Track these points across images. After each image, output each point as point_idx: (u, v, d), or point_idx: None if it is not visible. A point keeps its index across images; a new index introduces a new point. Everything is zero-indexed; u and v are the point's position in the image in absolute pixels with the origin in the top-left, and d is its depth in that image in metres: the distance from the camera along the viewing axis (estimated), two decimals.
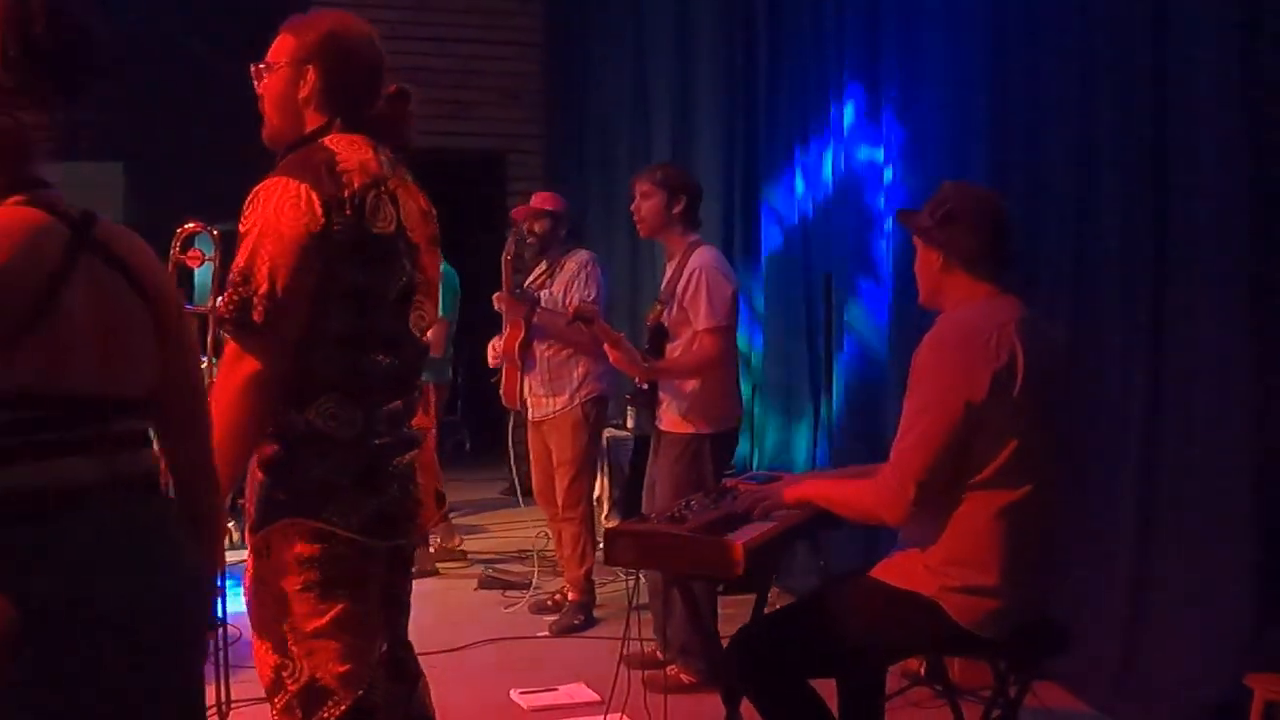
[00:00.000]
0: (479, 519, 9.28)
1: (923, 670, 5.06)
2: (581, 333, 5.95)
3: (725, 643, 3.97)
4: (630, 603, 4.73)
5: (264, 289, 2.77)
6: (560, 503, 6.49)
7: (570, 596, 6.49)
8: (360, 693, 2.93)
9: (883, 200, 6.26)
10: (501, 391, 6.69)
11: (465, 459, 8.34)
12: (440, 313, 7.15)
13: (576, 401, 6.41)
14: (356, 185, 2.87)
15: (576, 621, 6.38)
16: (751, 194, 7.69)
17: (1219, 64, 4.32)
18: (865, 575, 3.59)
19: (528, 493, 6.81)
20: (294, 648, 2.90)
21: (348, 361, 2.91)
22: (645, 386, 5.50)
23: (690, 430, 5.34)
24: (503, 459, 8.86)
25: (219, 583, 2.59)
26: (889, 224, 6.17)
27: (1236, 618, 4.31)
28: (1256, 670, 4.01)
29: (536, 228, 6.56)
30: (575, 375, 6.41)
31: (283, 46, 3.05)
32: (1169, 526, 4.59)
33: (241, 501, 3.28)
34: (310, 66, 3.00)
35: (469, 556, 7.95)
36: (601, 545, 6.43)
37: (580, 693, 5.29)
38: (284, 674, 2.91)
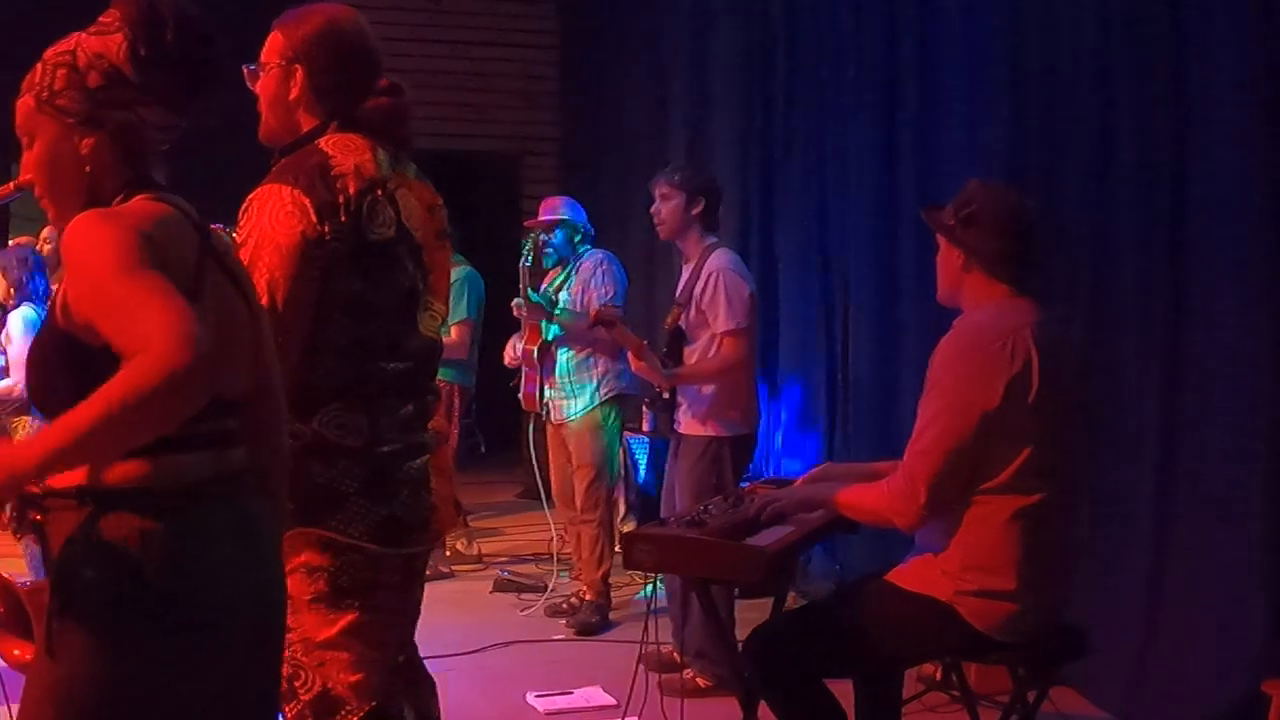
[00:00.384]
0: (495, 522, 9.29)
1: (939, 675, 5.06)
2: (602, 336, 5.95)
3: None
4: (649, 606, 4.73)
5: (264, 301, 2.70)
6: (579, 505, 6.49)
7: (587, 599, 6.49)
8: (374, 702, 2.91)
9: (900, 205, 6.26)
10: (521, 394, 6.70)
11: (480, 461, 8.34)
12: (465, 313, 7.23)
13: (596, 403, 6.42)
14: (352, 190, 2.82)
15: (593, 624, 6.38)
16: (768, 198, 7.67)
17: (1236, 63, 4.31)
18: (881, 579, 3.59)
19: (548, 495, 6.81)
20: (305, 658, 2.88)
21: (352, 370, 2.88)
22: (667, 395, 5.49)
23: (709, 433, 5.34)
24: (518, 461, 8.86)
25: None
26: (906, 230, 6.17)
27: (1253, 623, 4.29)
28: (1273, 676, 4.00)
29: (553, 240, 6.56)
30: (594, 377, 6.41)
31: (273, 45, 2.99)
32: (1185, 531, 4.57)
33: None
34: (298, 65, 2.94)
35: (484, 559, 7.96)
36: (619, 549, 6.48)
37: (596, 696, 5.29)
38: (296, 684, 2.89)
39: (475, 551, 8.00)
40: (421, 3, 10.66)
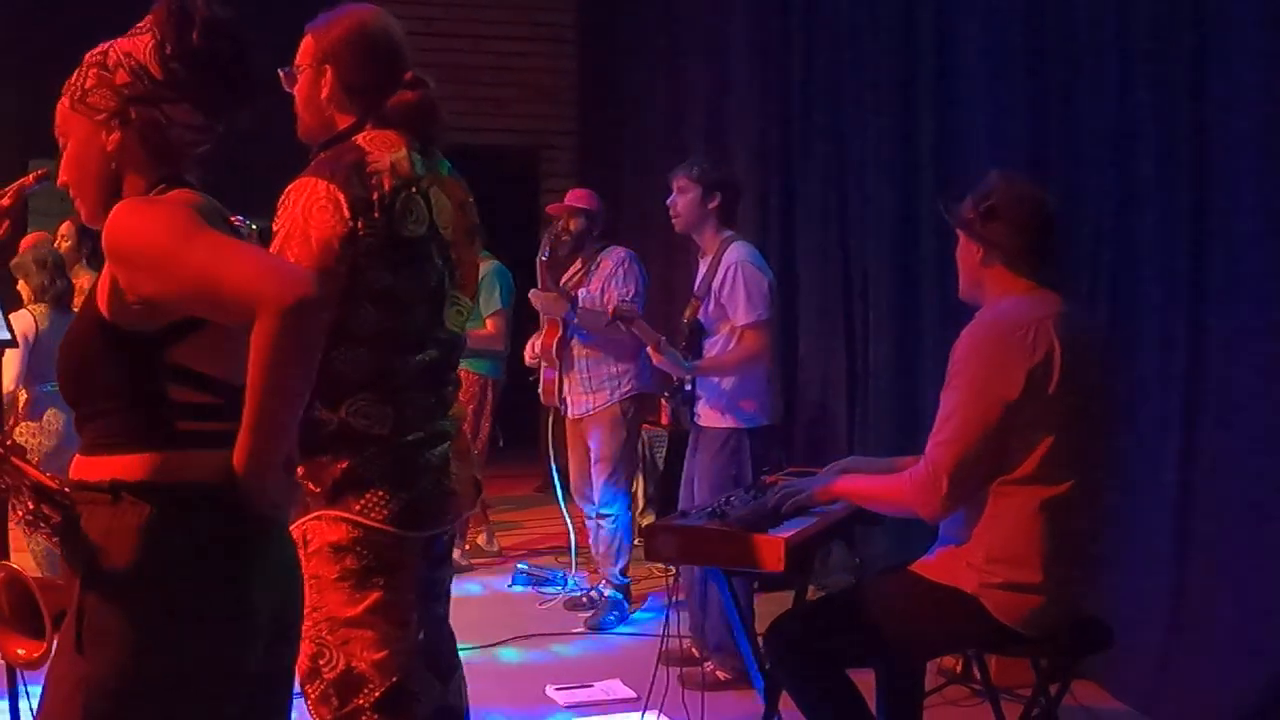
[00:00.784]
0: (514, 516, 9.29)
1: (959, 668, 5.05)
2: (620, 331, 5.95)
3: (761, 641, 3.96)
4: (668, 599, 4.73)
5: None
6: (597, 499, 6.49)
7: (606, 593, 6.49)
8: (395, 679, 2.96)
9: (918, 199, 6.24)
10: (540, 389, 6.71)
11: (499, 455, 8.36)
12: (499, 304, 7.24)
13: (615, 399, 6.41)
14: (387, 187, 2.90)
15: (612, 618, 6.38)
16: (787, 192, 7.66)
17: (1259, 49, 4.28)
18: (906, 569, 3.59)
19: (566, 489, 6.81)
20: (329, 636, 2.94)
21: (380, 361, 2.95)
22: (689, 387, 5.49)
23: (729, 425, 5.33)
24: (537, 456, 8.86)
25: None
26: (925, 223, 6.16)
27: (1276, 617, 4.27)
28: None
29: (572, 225, 6.56)
30: (613, 373, 6.41)
31: (305, 48, 3.10)
32: (1208, 522, 4.56)
33: None
34: (327, 66, 3.04)
35: (503, 552, 7.97)
36: (639, 542, 6.48)
37: (616, 689, 5.29)
38: (320, 662, 2.95)
39: (496, 547, 8.01)
40: None
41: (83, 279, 6.54)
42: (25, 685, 2.57)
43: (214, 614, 2.22)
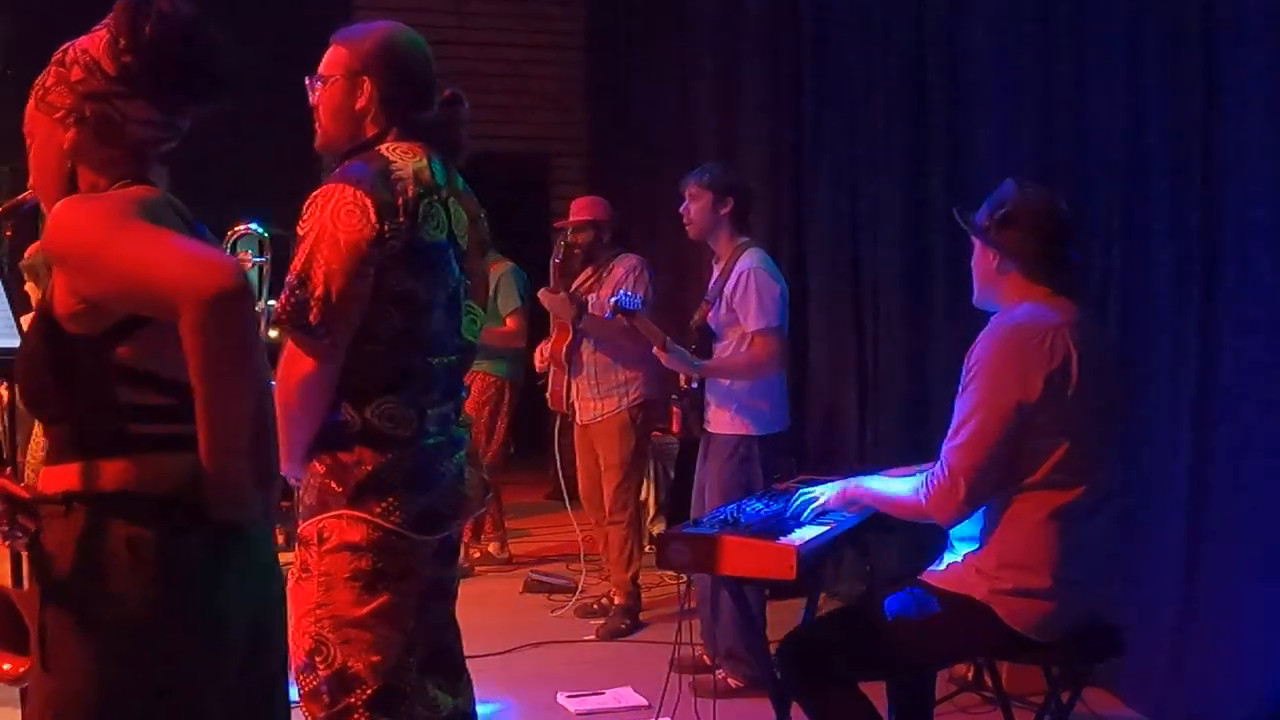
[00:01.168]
0: (524, 522, 9.29)
1: (970, 675, 5.05)
2: (628, 336, 5.95)
3: (773, 648, 3.96)
4: (680, 607, 4.73)
5: (319, 292, 2.85)
6: (607, 507, 6.50)
7: (616, 601, 6.49)
8: (388, 680, 2.99)
9: (930, 205, 6.24)
10: (548, 395, 6.72)
11: (509, 462, 8.37)
12: (517, 302, 7.27)
13: (624, 405, 6.42)
14: (410, 193, 2.95)
15: (623, 626, 6.38)
16: (798, 198, 7.66)
17: (1269, 52, 4.28)
18: (916, 580, 3.59)
19: (574, 496, 6.81)
20: (331, 634, 2.97)
21: (401, 363, 3.00)
22: (694, 385, 5.49)
23: (740, 432, 5.33)
24: (547, 462, 8.86)
25: None
26: (937, 230, 6.15)
27: None
28: None
29: (580, 239, 6.58)
30: (622, 380, 6.41)
31: (336, 58, 3.12)
32: (1220, 528, 4.55)
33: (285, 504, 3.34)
34: (366, 78, 3.07)
35: (514, 559, 7.98)
36: (649, 549, 6.48)
37: (628, 696, 5.29)
38: (317, 659, 2.98)
39: (506, 555, 8.02)
40: (449, 5, 10.71)
41: None
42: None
43: (176, 624, 2.16)
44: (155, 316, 2.13)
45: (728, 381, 5.39)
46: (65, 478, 2.16)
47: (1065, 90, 5.31)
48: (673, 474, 7.79)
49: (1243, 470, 4.45)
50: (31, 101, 2.31)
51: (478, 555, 7.78)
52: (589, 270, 6.61)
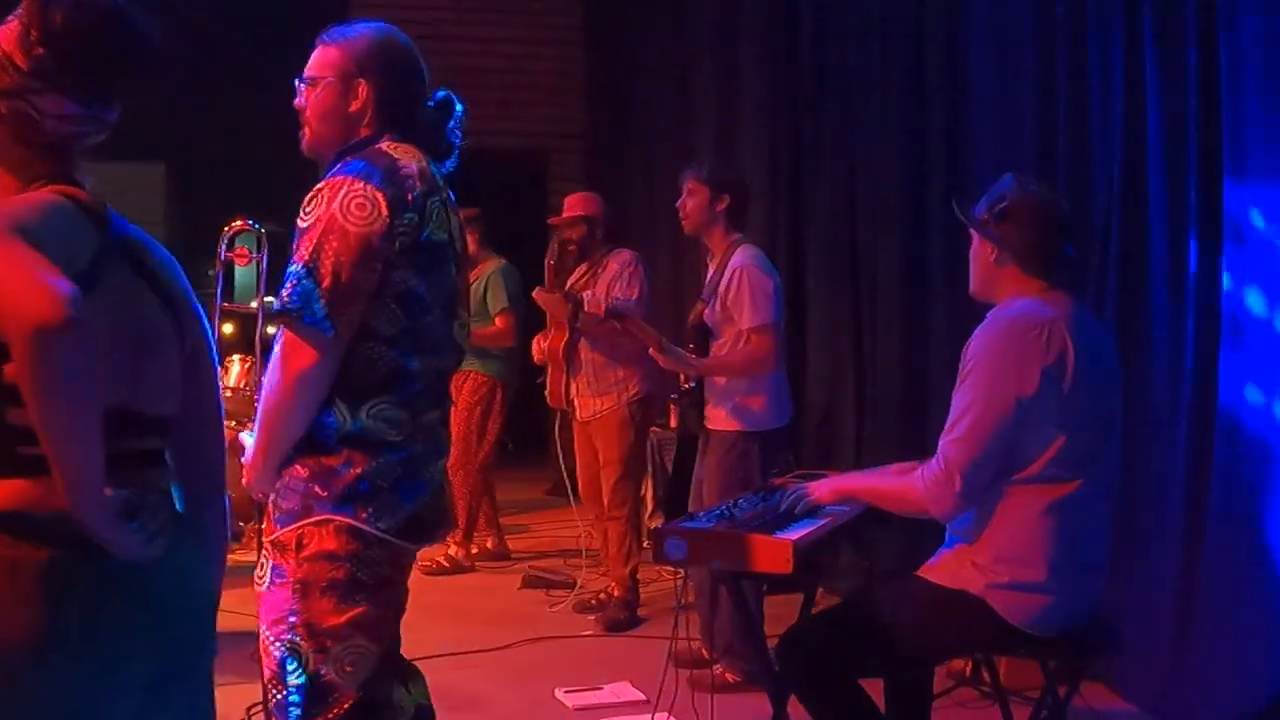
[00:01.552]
0: (523, 518, 9.31)
1: (968, 670, 5.05)
2: (623, 334, 5.96)
3: (770, 643, 3.96)
4: (678, 602, 4.73)
5: (327, 283, 2.80)
6: (606, 502, 6.50)
7: (615, 595, 6.49)
8: (364, 693, 2.93)
9: (928, 202, 6.24)
10: (547, 392, 6.72)
11: (508, 459, 8.40)
12: (505, 302, 7.27)
13: (622, 402, 6.42)
14: (419, 189, 2.93)
15: (621, 620, 6.39)
16: (796, 194, 7.66)
17: (1268, 51, 4.28)
18: (913, 575, 3.59)
19: (577, 491, 6.82)
20: (306, 642, 2.90)
21: (399, 363, 2.95)
22: (691, 384, 5.50)
23: (737, 428, 5.34)
24: (545, 459, 8.89)
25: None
26: (934, 225, 6.16)
27: None
28: None
29: (573, 235, 6.59)
30: (620, 376, 6.42)
31: (327, 60, 3.06)
32: (1218, 523, 4.55)
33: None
34: (361, 81, 3.02)
35: (513, 555, 7.99)
36: (647, 544, 6.48)
37: (625, 691, 5.29)
38: (290, 666, 2.91)
39: (505, 551, 8.03)
40: (443, 0, 10.72)
41: None
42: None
43: (56, 650, 1.98)
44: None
45: (723, 378, 5.40)
46: None
47: (1065, 88, 5.31)
48: (671, 469, 7.79)
49: (1242, 464, 4.44)
50: None
51: (476, 551, 7.79)
52: (583, 266, 6.61)
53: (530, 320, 7.41)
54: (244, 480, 3.02)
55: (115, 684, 2.05)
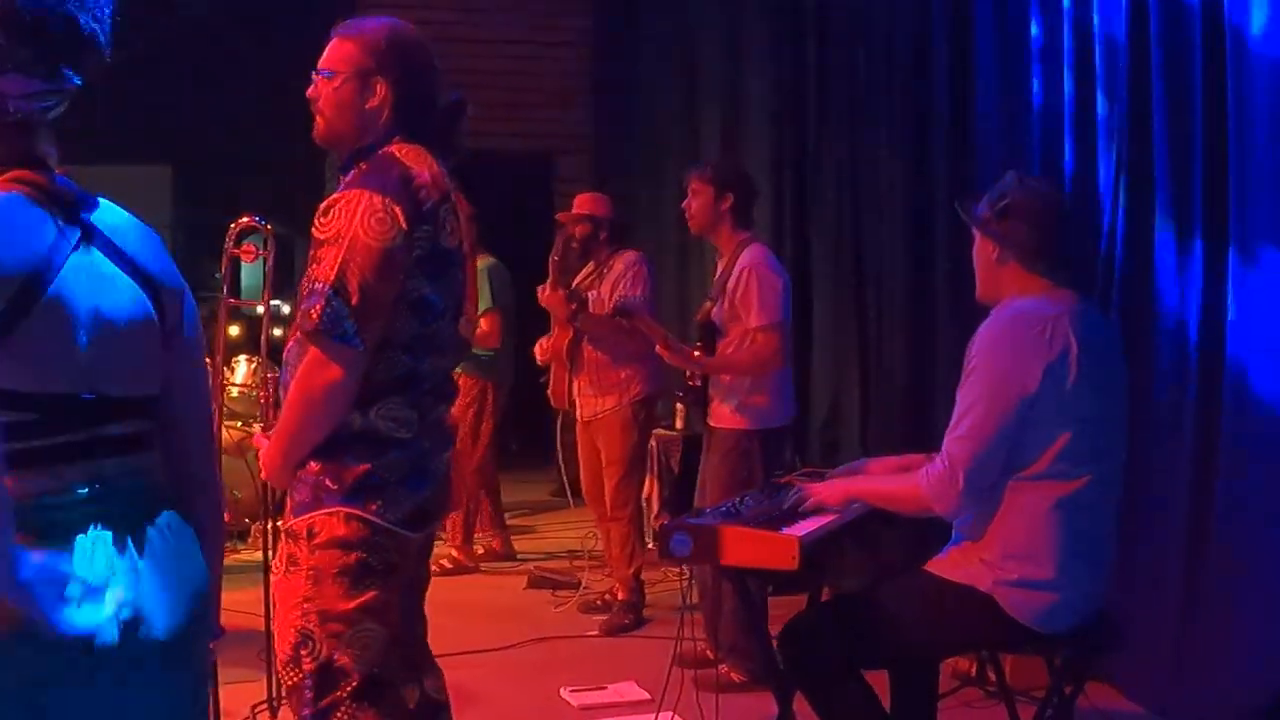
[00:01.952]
0: (528, 519, 9.31)
1: (974, 670, 5.05)
2: (626, 333, 5.96)
3: (775, 643, 3.97)
4: (683, 601, 4.74)
5: (355, 300, 2.87)
6: (609, 502, 6.50)
7: (619, 596, 6.50)
8: (373, 671, 3.01)
9: (933, 202, 6.25)
10: (550, 392, 6.72)
11: (513, 460, 8.41)
12: (490, 302, 7.25)
13: (625, 401, 6.42)
14: (434, 198, 2.98)
15: (626, 621, 6.38)
16: (801, 193, 7.67)
17: (1270, 50, 4.28)
18: (920, 569, 3.59)
19: (577, 493, 6.82)
20: (318, 628, 2.99)
21: (409, 367, 3.02)
22: (698, 383, 5.51)
23: (741, 426, 5.34)
24: (550, 459, 8.89)
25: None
26: (939, 225, 6.16)
27: None
28: None
29: (577, 231, 6.59)
30: (623, 376, 6.41)
31: (342, 54, 3.08)
32: (1223, 522, 4.55)
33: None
34: (380, 79, 3.05)
35: (518, 556, 7.99)
36: (651, 544, 6.48)
37: (630, 691, 5.29)
38: (303, 652, 3.00)
39: (510, 551, 8.03)
40: (452, 2, 10.72)
41: None
42: None
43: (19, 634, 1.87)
44: None
45: (728, 376, 5.41)
46: None
47: (1066, 86, 5.32)
48: (677, 470, 7.79)
49: (1246, 463, 4.44)
50: None
51: (481, 552, 7.80)
52: (589, 266, 6.61)
53: (524, 321, 7.42)
54: (262, 474, 3.13)
55: (93, 682, 1.92)
